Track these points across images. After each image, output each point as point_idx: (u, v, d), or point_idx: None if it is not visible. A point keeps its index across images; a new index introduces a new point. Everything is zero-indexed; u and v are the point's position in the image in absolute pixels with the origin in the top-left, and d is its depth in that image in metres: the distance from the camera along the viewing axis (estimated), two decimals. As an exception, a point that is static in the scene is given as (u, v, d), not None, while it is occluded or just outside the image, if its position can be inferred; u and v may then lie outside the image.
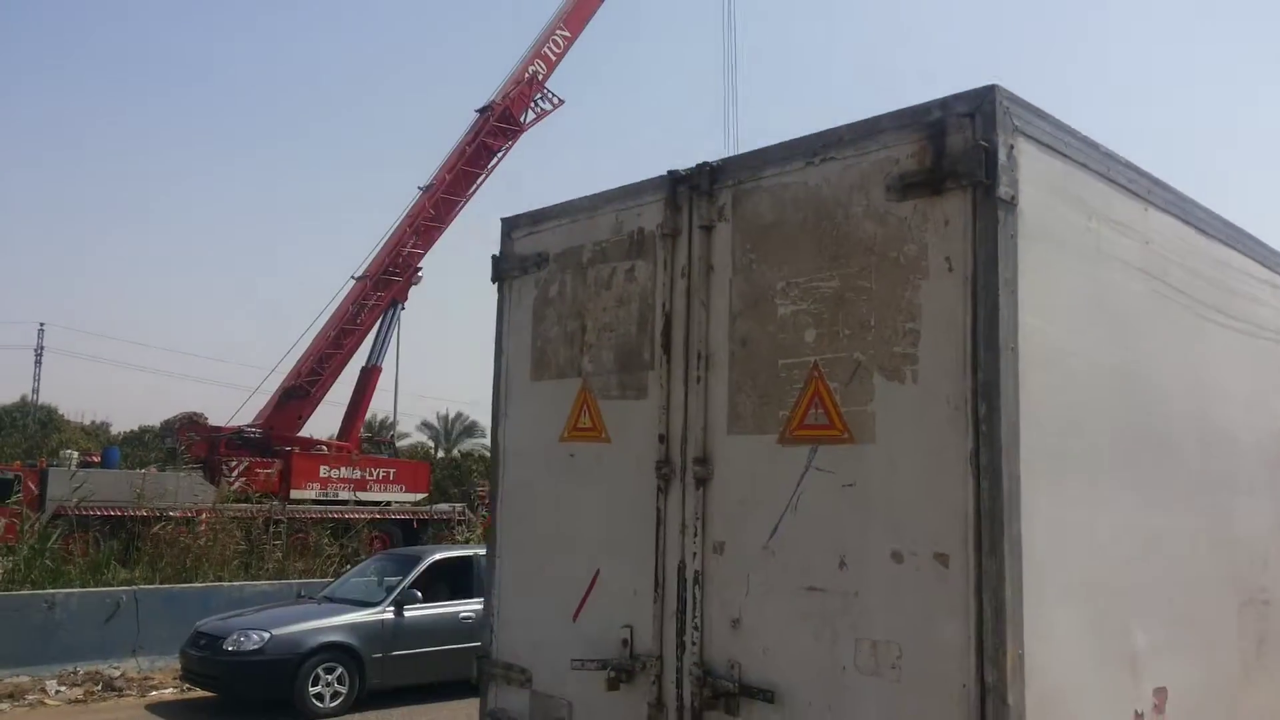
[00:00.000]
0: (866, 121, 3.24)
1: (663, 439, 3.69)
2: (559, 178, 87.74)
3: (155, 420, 34.16)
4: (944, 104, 3.03)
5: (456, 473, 35.25)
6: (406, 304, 29.79)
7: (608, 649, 3.79)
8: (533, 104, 30.10)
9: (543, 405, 4.21)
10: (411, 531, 28.10)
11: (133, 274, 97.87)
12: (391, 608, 10.72)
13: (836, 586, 3.14)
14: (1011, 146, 2.95)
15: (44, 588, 12.66)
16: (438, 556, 11.68)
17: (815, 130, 3.38)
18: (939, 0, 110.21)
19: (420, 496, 29.58)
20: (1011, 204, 2.92)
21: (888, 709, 2.98)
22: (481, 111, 29.80)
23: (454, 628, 10.84)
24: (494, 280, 4.50)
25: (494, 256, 4.51)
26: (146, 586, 13.22)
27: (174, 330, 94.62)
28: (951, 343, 2.93)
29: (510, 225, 4.50)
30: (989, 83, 2.95)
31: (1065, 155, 3.20)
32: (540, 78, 30.09)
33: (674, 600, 3.61)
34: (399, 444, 36.88)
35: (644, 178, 3.90)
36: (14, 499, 20.71)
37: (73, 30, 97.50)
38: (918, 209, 3.05)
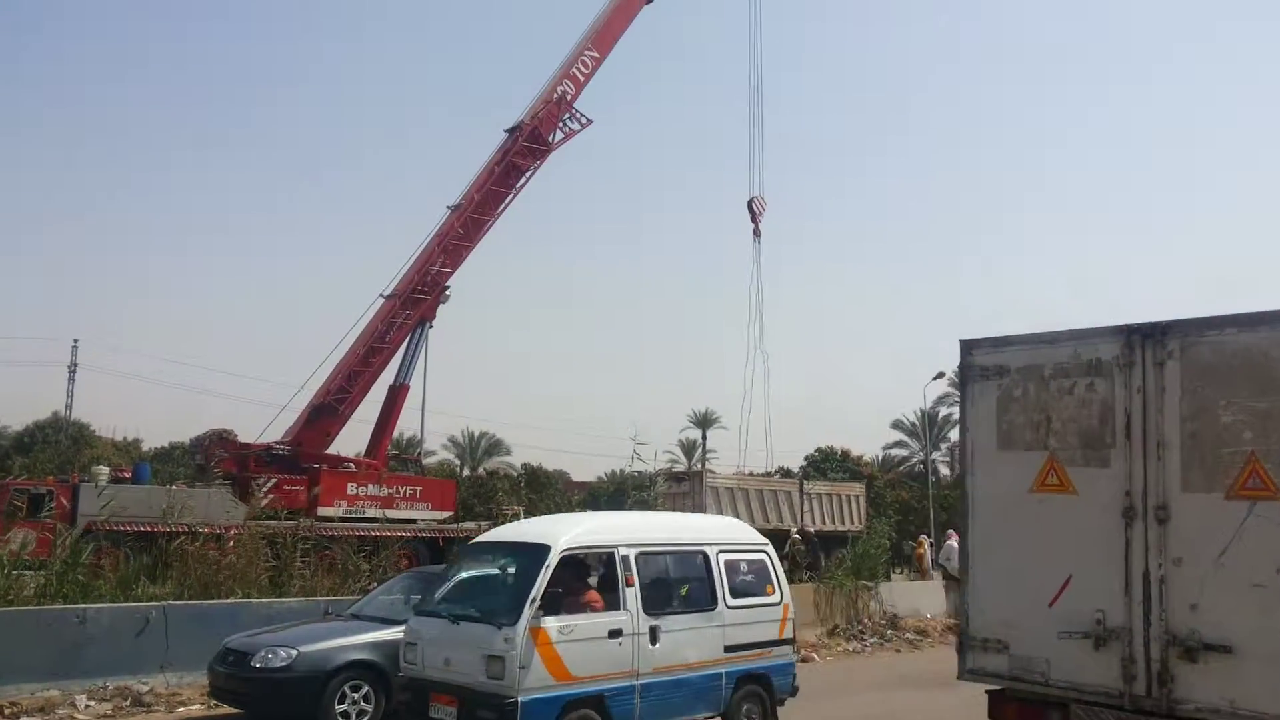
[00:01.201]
0: (1283, 311, 5.96)
1: (1128, 494, 6.34)
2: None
3: (186, 436, 35.54)
4: (1343, 308, 5.75)
5: (482, 490, 37.26)
6: (434, 322, 31.73)
7: (1082, 625, 6.41)
8: (561, 124, 32.33)
9: (1011, 468, 6.83)
10: (437, 549, 29.88)
11: (165, 290, 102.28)
12: None
13: (1274, 584, 5.82)
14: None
15: (75, 602, 13.21)
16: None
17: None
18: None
19: (446, 514, 31.45)
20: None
21: (1316, 653, 5.67)
22: (510, 131, 31.90)
23: None
24: (960, 383, 7.12)
25: (959, 366, 7.12)
26: (176, 603, 13.88)
27: (205, 346, 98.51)
28: (1355, 444, 5.65)
29: (971, 345, 7.13)
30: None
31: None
32: (569, 98, 32.34)
33: (1139, 592, 6.25)
34: (425, 461, 38.69)
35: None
36: (47, 513, 22.18)
37: (110, 57, 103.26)
38: (1326, 364, 5.77)
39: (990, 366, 7.02)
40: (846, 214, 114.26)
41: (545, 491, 36.54)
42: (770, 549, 10.94)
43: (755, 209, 34.18)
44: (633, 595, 9.00)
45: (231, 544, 19.32)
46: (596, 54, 32.94)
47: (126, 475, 28.84)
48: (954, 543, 23.37)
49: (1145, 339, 6.42)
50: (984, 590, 6.96)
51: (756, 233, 34.23)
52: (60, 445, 43.68)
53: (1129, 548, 6.33)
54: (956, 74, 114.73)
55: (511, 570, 9.46)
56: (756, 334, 32.08)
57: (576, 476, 55.98)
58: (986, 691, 7.01)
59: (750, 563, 10.55)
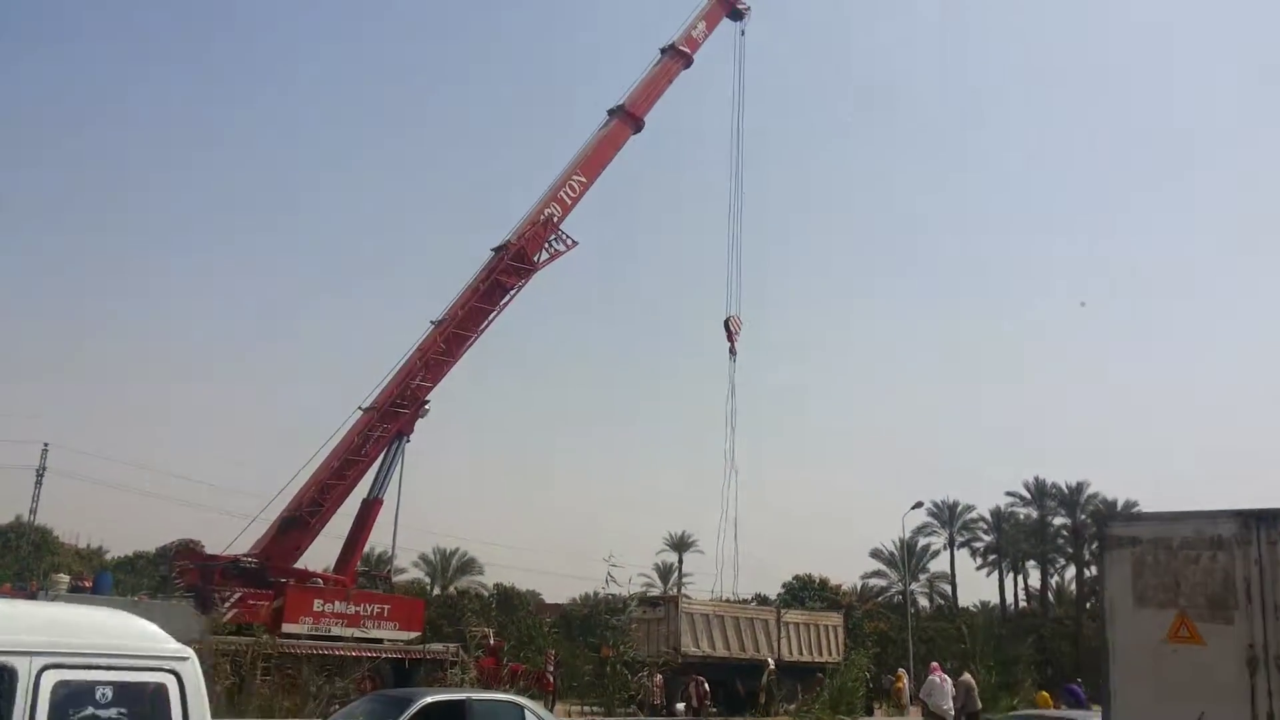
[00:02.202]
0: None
1: (1251, 646, 8.22)
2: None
3: (152, 546, 35.44)
4: None
5: (452, 611, 37.55)
6: (412, 437, 32.76)
7: (1215, 756, 8.20)
8: (547, 245, 34.27)
9: (1146, 622, 8.63)
10: (403, 671, 30.24)
11: (137, 398, 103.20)
12: None
13: (1378, 725, 7.71)
14: None
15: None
16: (429, 700, 12.13)
17: None
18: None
19: (414, 635, 31.91)
20: None
21: None
22: (497, 250, 33.68)
23: None
24: (1099, 550, 8.99)
25: (1097, 535, 9.00)
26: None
27: (177, 455, 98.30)
28: None
29: (1106, 518, 9.16)
30: None
31: None
32: (555, 219, 34.37)
33: (1264, 728, 8.08)
34: (395, 579, 38.95)
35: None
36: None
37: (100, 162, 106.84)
38: None
39: (1124, 537, 8.90)
40: (824, 343, 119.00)
41: (515, 613, 37.20)
42: (189, 669, 5.87)
43: (731, 328, 36.67)
44: None
45: (190, 659, 19.87)
46: (584, 179, 35.16)
47: (87, 585, 28.83)
48: (936, 677, 24.92)
49: (1260, 521, 8.38)
50: (1124, 723, 8.72)
51: (732, 351, 36.68)
52: (21, 551, 42.83)
53: (1254, 692, 8.15)
54: (950, 201, 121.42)
55: None
56: (730, 450, 34.06)
57: (550, 598, 56.75)
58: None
59: (126, 688, 5.55)
